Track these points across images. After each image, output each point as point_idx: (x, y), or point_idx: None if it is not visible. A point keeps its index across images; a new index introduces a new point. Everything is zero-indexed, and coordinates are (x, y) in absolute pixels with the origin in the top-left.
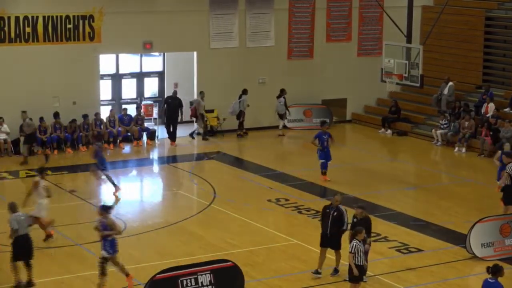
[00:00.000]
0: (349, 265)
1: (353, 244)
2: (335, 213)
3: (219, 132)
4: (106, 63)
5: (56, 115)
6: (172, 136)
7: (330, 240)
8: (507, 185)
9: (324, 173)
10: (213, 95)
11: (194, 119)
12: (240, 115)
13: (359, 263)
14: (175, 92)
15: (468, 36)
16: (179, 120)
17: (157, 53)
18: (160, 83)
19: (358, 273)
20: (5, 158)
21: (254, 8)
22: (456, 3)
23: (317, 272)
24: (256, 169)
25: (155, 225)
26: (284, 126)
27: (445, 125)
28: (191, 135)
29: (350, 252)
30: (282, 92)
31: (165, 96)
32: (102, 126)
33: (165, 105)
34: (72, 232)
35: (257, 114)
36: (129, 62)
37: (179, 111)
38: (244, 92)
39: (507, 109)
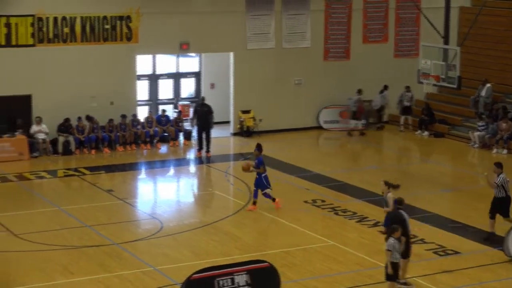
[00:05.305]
0: (386, 263)
1: (389, 242)
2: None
3: (256, 132)
4: (143, 63)
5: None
6: (206, 146)
7: None
8: None
9: (255, 203)
10: (249, 96)
11: (364, 117)
12: (381, 109)
13: (395, 261)
14: (203, 99)
15: (505, 37)
16: (211, 127)
17: (193, 54)
18: (196, 83)
19: (392, 271)
20: (44, 157)
21: (290, 9)
22: (493, 4)
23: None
24: (292, 170)
25: (191, 225)
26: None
27: (482, 127)
28: (361, 132)
29: (388, 250)
30: (385, 87)
31: (196, 104)
32: (139, 127)
33: (195, 114)
34: (110, 232)
35: (292, 115)
36: (166, 63)
37: (210, 119)
38: (385, 87)
39: None
